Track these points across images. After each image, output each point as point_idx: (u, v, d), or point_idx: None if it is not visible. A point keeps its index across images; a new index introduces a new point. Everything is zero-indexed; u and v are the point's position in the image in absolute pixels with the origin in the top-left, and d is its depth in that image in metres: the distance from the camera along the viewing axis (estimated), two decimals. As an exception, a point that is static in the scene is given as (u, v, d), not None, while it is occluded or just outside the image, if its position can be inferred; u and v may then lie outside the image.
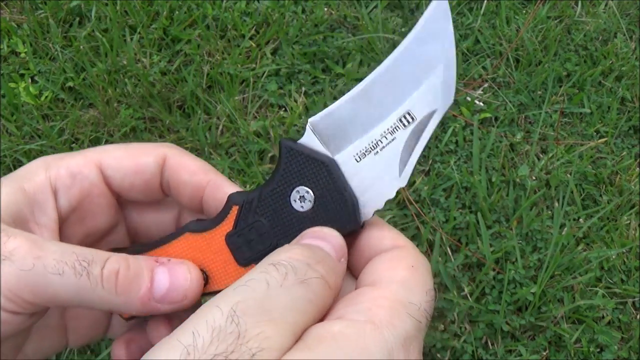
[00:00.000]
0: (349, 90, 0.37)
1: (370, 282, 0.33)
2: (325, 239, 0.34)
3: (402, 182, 0.36)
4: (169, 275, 0.34)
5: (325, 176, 0.35)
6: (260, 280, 0.29)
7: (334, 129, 0.36)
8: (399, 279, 0.33)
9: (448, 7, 0.35)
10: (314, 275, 0.31)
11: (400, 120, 0.35)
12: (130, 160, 0.37)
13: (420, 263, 0.34)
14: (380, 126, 0.35)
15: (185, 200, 0.39)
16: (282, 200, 0.36)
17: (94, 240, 0.39)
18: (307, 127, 0.37)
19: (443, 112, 0.35)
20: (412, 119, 0.36)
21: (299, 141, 0.36)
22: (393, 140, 0.36)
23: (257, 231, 0.36)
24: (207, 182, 0.38)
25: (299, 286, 0.30)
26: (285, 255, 0.32)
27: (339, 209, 0.35)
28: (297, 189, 0.35)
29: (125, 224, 0.41)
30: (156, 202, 0.41)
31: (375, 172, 0.36)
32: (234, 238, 0.36)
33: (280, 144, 0.37)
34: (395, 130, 0.35)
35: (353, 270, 0.37)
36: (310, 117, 0.36)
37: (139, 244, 0.40)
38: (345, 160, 0.36)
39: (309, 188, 0.35)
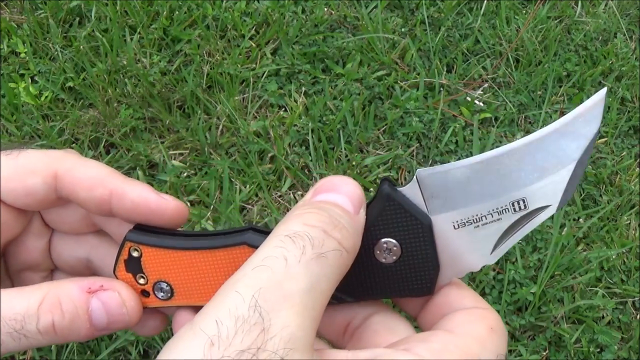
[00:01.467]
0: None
1: (448, 328, 0.33)
2: (339, 191, 0.32)
3: (491, 261, 0.35)
4: (103, 307, 0.34)
5: (419, 236, 0.34)
6: (278, 257, 0.28)
7: (442, 189, 0.34)
8: (476, 334, 0.33)
9: (603, 105, 0.33)
10: (332, 247, 0.30)
11: (512, 205, 0.34)
12: (18, 182, 0.35)
13: (499, 328, 0.34)
14: (491, 203, 0.34)
15: (93, 214, 0.37)
16: (367, 247, 0.34)
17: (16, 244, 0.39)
18: (415, 177, 0.34)
19: (555, 210, 0.34)
20: (525, 206, 0.34)
21: (400, 189, 0.35)
22: (498, 220, 0.34)
23: None
24: (109, 194, 0.35)
25: (317, 262, 0.29)
26: (299, 224, 0.30)
27: (420, 271, 0.34)
28: (386, 240, 0.34)
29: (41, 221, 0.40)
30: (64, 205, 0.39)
31: (470, 244, 0.35)
32: None
33: (380, 188, 0.34)
34: (504, 212, 0.34)
35: (422, 325, 0.37)
36: (417, 167, 0.34)
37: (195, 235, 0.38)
38: (441, 223, 0.34)
39: (398, 242, 0.34)
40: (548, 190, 0.33)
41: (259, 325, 0.26)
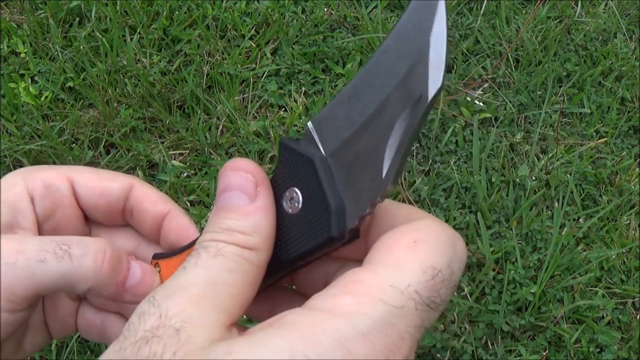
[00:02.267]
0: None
1: (364, 266, 0.29)
2: (230, 187, 0.33)
3: (386, 183, 0.30)
4: (140, 269, 0.37)
5: (312, 176, 0.32)
6: (179, 268, 0.31)
7: (332, 128, 0.32)
8: (391, 259, 0.28)
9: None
10: (229, 249, 0.31)
11: (386, 110, 0.31)
12: (98, 182, 0.40)
13: (429, 237, 0.29)
14: (367, 120, 0.31)
15: (145, 228, 0.41)
16: (276, 201, 0.34)
17: None
18: (308, 124, 0.33)
19: (429, 99, 0.29)
20: (395, 110, 0.31)
21: (300, 140, 0.34)
22: (377, 136, 0.31)
23: None
24: (167, 211, 0.40)
25: (214, 259, 0.30)
26: (198, 243, 0.32)
27: (323, 213, 0.32)
28: (289, 189, 0.33)
29: None
30: (116, 229, 0.43)
31: (362, 173, 0.31)
32: None
33: (279, 143, 0.34)
34: (377, 126, 0.31)
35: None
36: (311, 117, 0.35)
37: None
38: (339, 159, 0.32)
39: (298, 189, 0.33)
40: (412, 84, 0.30)
41: (156, 313, 0.28)
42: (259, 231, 0.32)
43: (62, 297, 0.41)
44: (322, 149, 0.33)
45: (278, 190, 0.34)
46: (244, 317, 0.35)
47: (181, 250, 0.38)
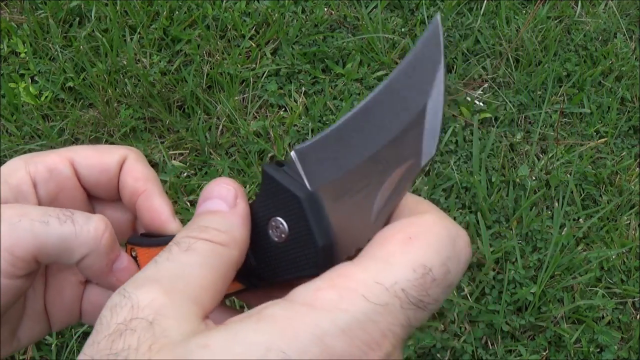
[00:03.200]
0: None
1: (354, 260, 0.29)
2: (211, 196, 0.34)
3: (376, 230, 0.31)
4: (127, 259, 0.38)
5: (299, 212, 0.32)
6: (150, 262, 0.31)
7: (317, 161, 0.32)
8: (382, 253, 0.28)
9: (441, 32, 0.29)
10: (200, 243, 0.31)
11: (376, 167, 0.30)
12: (97, 159, 0.40)
13: (426, 233, 0.28)
14: (356, 170, 0.31)
15: (125, 203, 0.42)
16: (260, 227, 0.34)
17: None
18: (292, 154, 0.33)
19: (421, 164, 0.29)
20: (388, 166, 0.30)
21: (283, 167, 0.34)
22: (367, 186, 0.31)
23: None
24: (144, 190, 0.40)
25: (184, 254, 0.30)
26: (174, 240, 0.33)
27: (310, 249, 0.32)
28: (273, 219, 0.34)
29: None
30: (115, 203, 0.43)
31: (352, 214, 0.31)
32: None
33: (263, 168, 0.34)
34: (368, 176, 0.31)
35: None
36: (293, 146, 0.34)
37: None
38: (323, 196, 0.32)
39: (284, 220, 0.33)
40: (405, 145, 0.30)
41: (128, 304, 0.27)
42: (232, 231, 0.33)
43: (67, 281, 0.42)
44: (307, 182, 0.33)
45: (262, 217, 0.34)
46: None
47: (165, 242, 0.38)
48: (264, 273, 0.35)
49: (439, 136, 0.29)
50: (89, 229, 0.35)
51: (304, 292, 0.27)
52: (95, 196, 0.42)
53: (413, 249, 0.28)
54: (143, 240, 0.40)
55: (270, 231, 0.34)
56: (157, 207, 0.40)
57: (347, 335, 0.25)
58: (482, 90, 1.54)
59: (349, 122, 0.32)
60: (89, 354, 0.27)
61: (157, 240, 0.39)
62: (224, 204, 0.34)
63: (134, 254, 0.40)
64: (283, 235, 0.33)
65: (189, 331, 0.27)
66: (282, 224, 0.33)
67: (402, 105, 0.30)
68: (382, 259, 0.28)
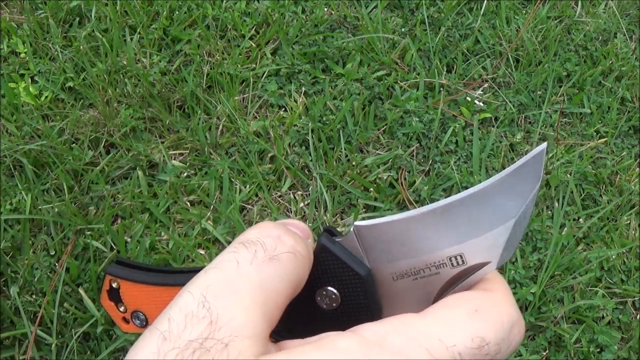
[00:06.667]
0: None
1: (422, 312, 0.31)
2: (290, 224, 0.34)
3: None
4: None
5: (357, 286, 0.34)
6: (230, 261, 0.30)
7: (379, 241, 0.34)
8: (447, 317, 0.30)
9: (543, 161, 0.32)
10: (284, 250, 0.31)
11: (450, 260, 0.33)
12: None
13: (491, 312, 0.30)
14: (428, 257, 0.33)
15: None
16: (309, 292, 0.35)
17: None
18: (352, 229, 0.34)
19: (495, 266, 0.32)
20: (463, 262, 0.33)
21: (339, 239, 0.35)
22: (437, 274, 0.33)
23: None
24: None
25: (269, 263, 0.30)
26: (254, 232, 0.32)
27: (359, 319, 0.33)
28: (324, 288, 0.35)
29: None
30: None
31: (410, 295, 0.34)
32: None
33: (319, 239, 0.35)
34: (441, 266, 0.33)
35: None
36: (356, 218, 0.35)
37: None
38: (381, 274, 0.34)
39: (337, 290, 0.34)
40: (486, 246, 0.33)
41: (206, 318, 0.27)
42: (309, 251, 0.33)
43: None
44: (366, 260, 0.34)
45: (312, 284, 0.35)
46: None
47: (150, 279, 0.38)
48: (299, 331, 0.35)
49: (517, 246, 0.33)
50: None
51: (373, 329, 0.29)
52: None
53: (476, 322, 0.30)
54: (125, 271, 0.40)
55: (319, 298, 0.35)
56: None
57: None
58: (482, 90, 1.54)
59: (414, 226, 0.33)
60: None
61: (142, 275, 0.39)
62: (300, 232, 0.34)
63: (115, 285, 0.39)
64: (334, 305, 0.35)
65: (260, 353, 0.27)
66: (334, 294, 0.35)
67: (495, 210, 0.32)
68: (446, 321, 0.30)
